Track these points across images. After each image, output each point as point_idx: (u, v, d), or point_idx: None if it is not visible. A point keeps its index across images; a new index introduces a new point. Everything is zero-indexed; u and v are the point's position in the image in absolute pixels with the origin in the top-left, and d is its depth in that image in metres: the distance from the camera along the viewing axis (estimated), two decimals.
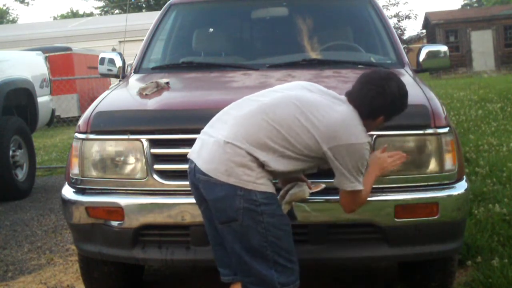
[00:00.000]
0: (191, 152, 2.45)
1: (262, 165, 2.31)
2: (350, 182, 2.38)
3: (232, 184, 2.27)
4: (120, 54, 4.23)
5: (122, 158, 2.87)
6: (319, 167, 2.51)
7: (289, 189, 2.55)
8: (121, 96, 3.37)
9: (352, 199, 2.47)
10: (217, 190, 2.30)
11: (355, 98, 2.44)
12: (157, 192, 2.84)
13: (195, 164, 2.38)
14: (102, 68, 4.25)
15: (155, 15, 4.82)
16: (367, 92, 2.42)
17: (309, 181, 2.62)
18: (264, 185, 2.31)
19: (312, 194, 2.60)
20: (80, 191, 2.95)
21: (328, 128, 2.32)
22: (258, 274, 2.34)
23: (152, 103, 3.02)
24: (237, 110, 2.41)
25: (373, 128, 2.52)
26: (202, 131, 2.46)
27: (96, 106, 3.05)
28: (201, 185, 2.36)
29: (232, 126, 2.34)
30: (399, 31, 27.23)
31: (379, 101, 2.42)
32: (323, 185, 2.63)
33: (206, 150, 2.35)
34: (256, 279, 2.35)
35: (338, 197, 2.75)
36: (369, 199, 2.71)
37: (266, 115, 2.33)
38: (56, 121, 10.10)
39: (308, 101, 2.37)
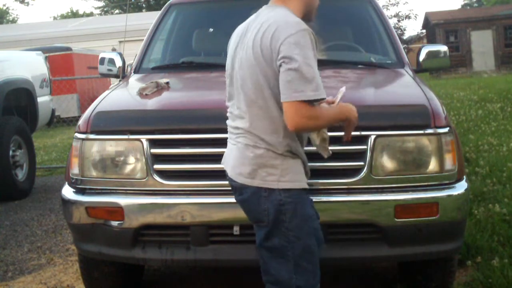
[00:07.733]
0: (222, 161, 2.49)
1: (288, 151, 2.26)
2: (295, 92, 2.13)
3: (257, 186, 2.28)
4: (120, 54, 4.23)
5: (122, 158, 2.87)
6: None
7: None
8: (121, 96, 3.37)
9: (296, 109, 2.14)
10: (244, 193, 2.33)
11: None
12: (157, 192, 2.83)
13: (227, 172, 2.42)
14: (102, 68, 4.25)
15: (155, 15, 4.82)
16: None
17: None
18: (290, 181, 2.27)
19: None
20: (80, 191, 2.95)
21: (272, 40, 2.20)
22: (275, 274, 2.32)
23: (152, 103, 3.02)
24: (232, 118, 2.39)
25: (314, 11, 2.49)
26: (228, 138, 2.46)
27: (96, 106, 3.05)
28: (234, 190, 2.40)
29: (242, 130, 2.31)
30: (399, 31, 27.21)
31: None
32: (343, 89, 2.47)
33: (231, 157, 2.38)
34: (273, 278, 2.34)
35: (337, 198, 2.77)
36: (369, 199, 2.73)
37: (254, 103, 2.26)
38: (56, 121, 10.08)
39: (248, 57, 2.27)
